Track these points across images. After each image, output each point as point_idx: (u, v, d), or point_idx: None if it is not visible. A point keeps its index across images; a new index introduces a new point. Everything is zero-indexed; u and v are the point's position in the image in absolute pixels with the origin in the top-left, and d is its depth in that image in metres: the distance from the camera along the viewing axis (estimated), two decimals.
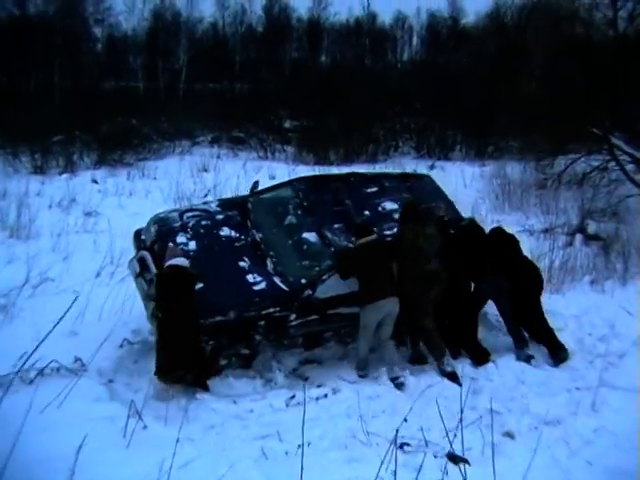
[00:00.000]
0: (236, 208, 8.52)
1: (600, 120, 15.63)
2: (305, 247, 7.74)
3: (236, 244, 7.92)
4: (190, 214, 8.47)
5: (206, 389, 6.77)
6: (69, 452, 5.20)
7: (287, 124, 30.10)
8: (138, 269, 7.73)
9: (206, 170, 22.60)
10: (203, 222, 8.25)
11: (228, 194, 16.09)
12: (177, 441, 5.36)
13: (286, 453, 5.48)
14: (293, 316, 7.24)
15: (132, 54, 43.44)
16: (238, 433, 5.92)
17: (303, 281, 7.28)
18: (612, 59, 15.11)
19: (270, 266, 7.54)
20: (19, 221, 13.51)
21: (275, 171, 21.75)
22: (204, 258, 7.53)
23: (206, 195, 17.77)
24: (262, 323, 7.11)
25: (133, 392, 6.63)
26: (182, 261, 6.87)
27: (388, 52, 54.42)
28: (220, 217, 8.36)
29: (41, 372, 6.68)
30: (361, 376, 7.25)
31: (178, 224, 8.16)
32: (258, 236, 7.97)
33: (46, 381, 6.65)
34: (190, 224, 8.19)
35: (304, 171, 21.48)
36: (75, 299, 7.78)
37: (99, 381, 6.70)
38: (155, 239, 7.96)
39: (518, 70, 22.14)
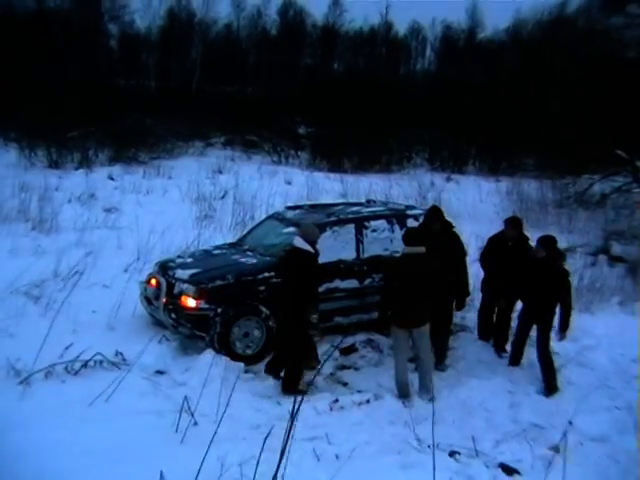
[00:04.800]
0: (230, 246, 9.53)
1: (623, 142, 15.70)
2: (287, 236, 8.38)
3: (227, 252, 8.91)
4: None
5: (289, 391, 6.83)
6: (123, 444, 5.24)
7: (301, 130, 30.21)
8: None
9: (221, 172, 22.70)
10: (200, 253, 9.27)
11: (247, 197, 16.28)
12: (231, 439, 5.45)
13: (336, 456, 5.48)
14: None
15: (145, 52, 43.49)
16: (285, 434, 5.92)
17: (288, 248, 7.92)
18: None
19: (259, 255, 8.46)
20: (42, 214, 13.59)
21: (291, 176, 21.82)
22: (202, 261, 8.50)
23: (223, 197, 17.84)
24: (262, 289, 7.82)
25: (175, 388, 6.66)
26: (300, 242, 6.99)
27: (401, 62, 54.33)
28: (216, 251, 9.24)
29: (85, 364, 6.72)
30: (403, 402, 6.74)
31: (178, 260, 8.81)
32: (247, 246, 8.95)
33: (90, 373, 6.71)
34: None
35: (320, 177, 21.63)
36: None
37: (142, 376, 6.70)
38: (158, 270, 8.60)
39: (537, 87, 22.14)
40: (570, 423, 6.20)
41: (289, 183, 20.86)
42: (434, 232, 7.65)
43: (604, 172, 17.02)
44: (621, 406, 6.79)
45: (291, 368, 6.99)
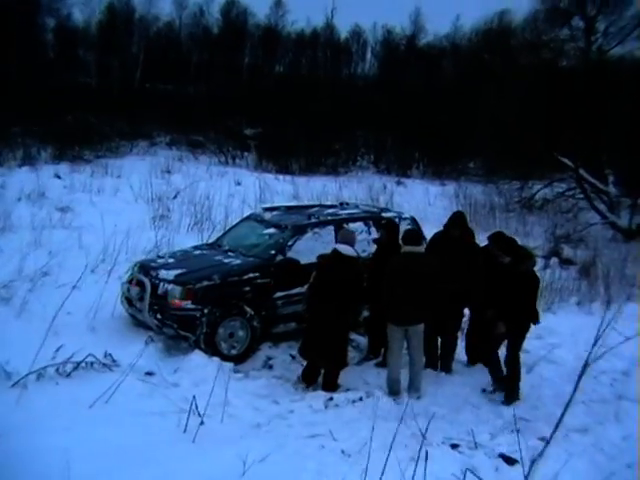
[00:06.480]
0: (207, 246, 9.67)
1: (568, 150, 16.44)
2: (268, 237, 8.77)
3: (209, 253, 8.97)
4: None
5: (333, 389, 7.05)
6: (135, 446, 5.26)
7: (247, 131, 30.17)
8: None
9: (169, 172, 22.47)
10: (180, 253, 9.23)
11: (199, 198, 16.27)
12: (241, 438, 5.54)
13: (342, 451, 5.64)
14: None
15: (84, 48, 42.50)
16: (286, 432, 6.04)
17: (272, 252, 8.32)
18: (582, 90, 15.91)
19: (242, 255, 8.55)
20: None
21: (241, 177, 21.80)
22: (184, 261, 8.54)
23: (175, 197, 17.73)
24: (247, 289, 7.95)
25: (169, 388, 6.69)
26: (345, 249, 7.00)
27: (342, 65, 54.57)
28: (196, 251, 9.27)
29: (77, 366, 6.67)
30: (393, 399, 6.90)
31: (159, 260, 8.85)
32: (227, 247, 9.00)
33: (82, 375, 6.67)
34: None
35: (270, 179, 21.71)
36: None
37: (136, 377, 6.68)
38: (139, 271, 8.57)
39: (477, 92, 22.86)
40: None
41: (239, 184, 20.82)
42: (452, 237, 7.65)
43: (549, 178, 17.73)
44: (595, 399, 7.20)
45: (335, 368, 7.16)
